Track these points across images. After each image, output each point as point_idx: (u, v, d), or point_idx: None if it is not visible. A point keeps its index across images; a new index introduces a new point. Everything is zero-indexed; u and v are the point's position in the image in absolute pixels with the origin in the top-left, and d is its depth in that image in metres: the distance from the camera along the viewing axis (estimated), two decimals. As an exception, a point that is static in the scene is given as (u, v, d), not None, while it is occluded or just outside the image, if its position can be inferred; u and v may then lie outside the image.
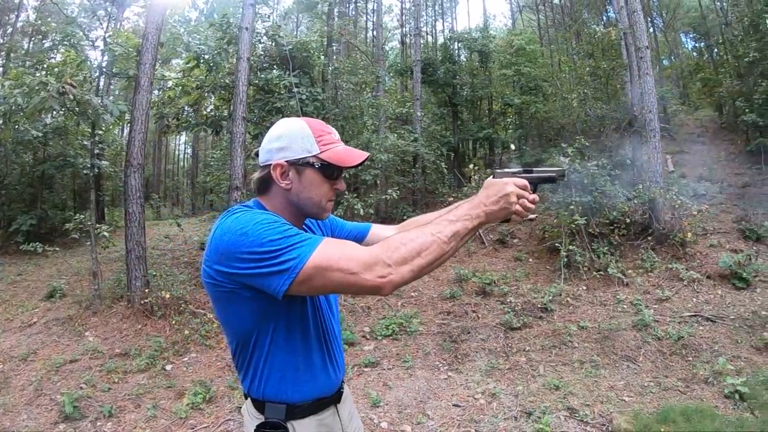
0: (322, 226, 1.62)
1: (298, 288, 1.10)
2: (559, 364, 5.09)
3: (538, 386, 4.62)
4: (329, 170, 1.32)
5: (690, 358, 4.78)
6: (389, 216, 11.01)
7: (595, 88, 11.71)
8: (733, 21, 11.94)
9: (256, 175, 1.37)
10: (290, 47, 8.56)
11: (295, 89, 8.55)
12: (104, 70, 6.97)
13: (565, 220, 7.35)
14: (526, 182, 1.30)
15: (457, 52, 16.41)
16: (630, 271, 7.01)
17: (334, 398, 1.45)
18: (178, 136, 22.18)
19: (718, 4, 13.85)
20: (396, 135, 10.68)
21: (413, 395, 4.61)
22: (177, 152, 27.77)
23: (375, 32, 16.96)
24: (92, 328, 5.92)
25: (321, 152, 1.30)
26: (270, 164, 1.31)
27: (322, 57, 9.97)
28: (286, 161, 1.29)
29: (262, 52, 8.97)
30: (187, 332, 5.87)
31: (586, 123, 11.73)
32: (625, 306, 6.20)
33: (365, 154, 1.36)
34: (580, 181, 8.95)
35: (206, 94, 9.23)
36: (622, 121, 11.03)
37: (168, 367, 5.20)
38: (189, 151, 25.17)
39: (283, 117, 9.41)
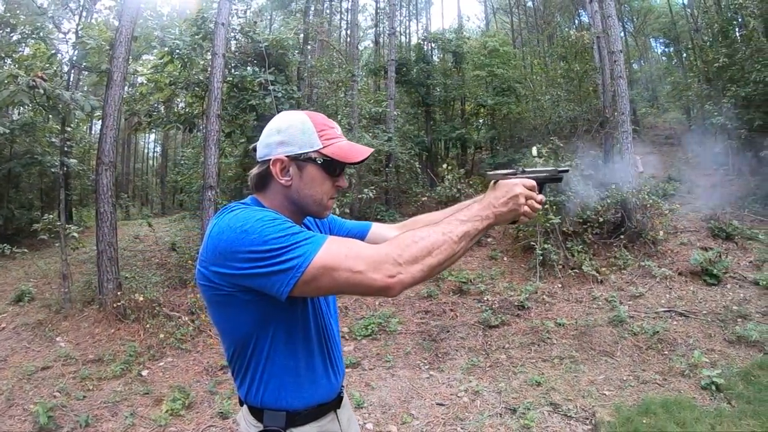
0: (320, 225, 1.56)
1: (302, 289, 1.05)
2: (539, 361, 5.16)
3: (519, 383, 4.67)
4: (331, 166, 1.26)
5: (666, 352, 4.91)
6: (363, 215, 10.98)
7: (568, 90, 11.97)
8: (702, 27, 12.43)
9: (254, 170, 1.31)
10: (266, 44, 8.41)
11: (271, 87, 8.41)
12: (75, 64, 6.67)
13: (539, 219, 7.47)
14: (534, 183, 1.29)
15: (431, 52, 16.50)
16: (604, 269, 7.16)
17: (334, 403, 1.40)
18: (147, 135, 21.63)
19: (689, 10, 14.41)
20: (370, 134, 10.65)
21: (396, 395, 4.60)
22: (146, 151, 27.10)
23: (349, 31, 16.91)
24: (63, 333, 5.69)
25: (323, 147, 1.24)
26: (269, 159, 1.25)
27: (298, 55, 9.84)
28: (287, 156, 1.23)
29: (237, 49, 8.79)
30: (162, 336, 5.70)
31: (557, 124, 11.99)
32: (600, 303, 6.33)
33: (369, 150, 1.31)
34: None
35: (179, 91, 8.97)
36: (593, 123, 11.33)
37: (144, 373, 5.03)
38: (158, 149, 24.56)
39: (257, 115, 9.37)
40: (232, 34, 8.38)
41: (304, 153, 1.23)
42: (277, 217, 1.11)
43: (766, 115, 7.40)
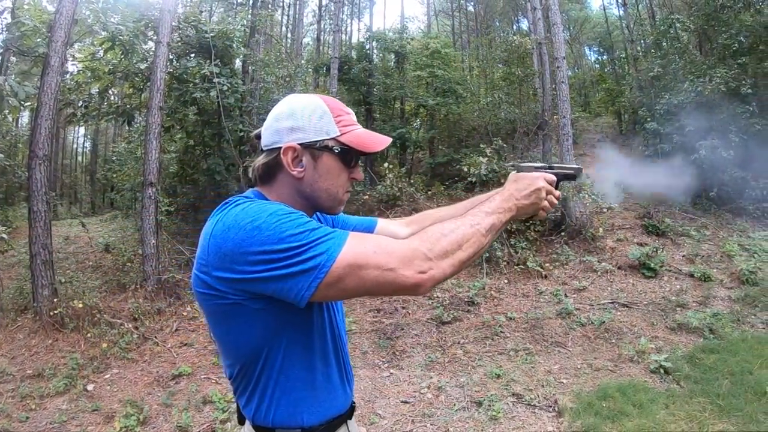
0: (324, 221, 1.42)
1: (325, 291, 0.94)
2: (495, 354, 5.32)
3: (480, 376, 4.78)
4: (348, 156, 1.15)
5: (614, 341, 5.25)
6: (304, 213, 10.79)
7: (508, 93, 12.46)
8: (636, 38, 13.46)
9: (260, 160, 1.16)
10: (212, 35, 8.01)
11: (216, 79, 8.03)
12: (9, 46, 5.96)
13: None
14: (554, 177, 1.28)
15: (372, 51, 16.51)
16: (547, 265, 7.52)
17: (347, 415, 1.28)
18: (77, 129, 19.99)
19: (624, 22, 15.50)
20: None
21: (360, 395, 4.55)
22: (75, 146, 24.93)
23: (291, 27, 16.57)
24: (-4, 347, 5.09)
25: (341, 135, 1.12)
26: (279, 147, 1.11)
27: (243, 48, 9.47)
28: (300, 144, 1.10)
29: (180, 39, 8.30)
30: (105, 345, 5.27)
31: (496, 126, 12.45)
32: (546, 296, 6.64)
33: (389, 139, 1.21)
34: (497, 181, 9.50)
35: (118, 81, 8.31)
36: (531, 125, 11.89)
37: (90, 387, 4.62)
38: (88, 144, 22.71)
39: (198, 109, 8.94)
40: (176, 23, 7.91)
41: (319, 141, 1.11)
42: (293, 211, 0.99)
43: (696, 122, 8.19)
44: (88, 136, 22.01)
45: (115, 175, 11.03)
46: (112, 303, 6.37)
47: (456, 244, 1.00)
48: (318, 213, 1.34)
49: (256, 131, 1.22)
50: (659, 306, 5.89)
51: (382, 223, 1.61)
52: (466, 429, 3.88)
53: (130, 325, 5.82)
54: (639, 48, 13.07)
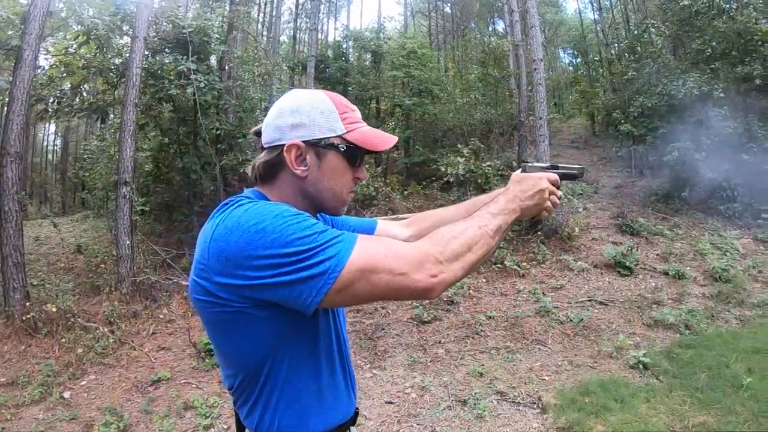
0: (324, 222, 1.40)
1: (334, 297, 0.90)
2: (477, 353, 5.37)
3: (463, 375, 4.82)
4: (354, 155, 1.11)
5: (592, 338, 5.37)
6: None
7: (484, 94, 12.59)
8: (611, 42, 13.81)
9: (261, 158, 1.11)
10: (190, 30, 7.83)
11: (193, 76, 7.84)
12: None
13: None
14: (557, 178, 1.29)
15: (350, 50, 16.48)
16: (524, 264, 7.62)
17: (350, 422, 1.23)
18: (47, 126, 19.26)
19: (599, 26, 15.87)
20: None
21: (345, 396, 4.52)
22: (45, 143, 23.98)
23: (269, 24, 16.41)
24: (-33, 354, 4.87)
25: (347, 132, 1.09)
26: (281, 145, 1.07)
27: (221, 44, 9.29)
28: (304, 142, 1.06)
29: (156, 34, 8.09)
30: (80, 351, 5.10)
31: (471, 126, 12.58)
32: (524, 295, 6.73)
33: (395, 138, 1.19)
34: (474, 180, 9.62)
35: (93, 76, 8.02)
36: (506, 126, 12.07)
37: (66, 395, 4.47)
38: (59, 142, 21.90)
39: (173, 106, 8.74)
40: (152, 18, 7.70)
41: (324, 138, 1.07)
42: (299, 212, 0.95)
43: (669, 124, 8.47)
44: (59, 134, 21.24)
45: (86, 174, 10.71)
46: (86, 306, 6.17)
47: (466, 246, 0.99)
48: (319, 214, 1.29)
49: (256, 128, 1.18)
50: (635, 303, 6.06)
51: (382, 224, 1.57)
52: (453, 428, 3.91)
53: (106, 329, 5.64)
54: (613, 51, 13.40)
